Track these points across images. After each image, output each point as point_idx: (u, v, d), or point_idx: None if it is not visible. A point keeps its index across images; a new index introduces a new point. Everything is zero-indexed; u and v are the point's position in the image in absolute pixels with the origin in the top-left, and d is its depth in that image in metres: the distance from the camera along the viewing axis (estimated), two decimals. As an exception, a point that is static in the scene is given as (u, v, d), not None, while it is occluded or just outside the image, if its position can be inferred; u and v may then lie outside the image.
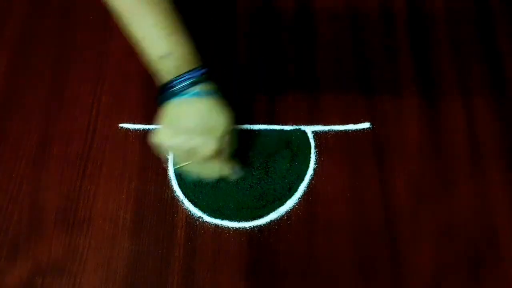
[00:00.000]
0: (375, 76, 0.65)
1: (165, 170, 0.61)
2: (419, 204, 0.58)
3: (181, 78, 0.49)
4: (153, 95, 0.65)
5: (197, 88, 0.49)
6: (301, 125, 0.63)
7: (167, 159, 0.61)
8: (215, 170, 0.55)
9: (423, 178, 0.59)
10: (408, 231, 0.56)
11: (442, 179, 0.59)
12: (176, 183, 0.60)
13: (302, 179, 0.59)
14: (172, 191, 0.60)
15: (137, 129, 0.63)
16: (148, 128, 0.63)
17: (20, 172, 0.61)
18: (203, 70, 0.50)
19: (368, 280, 0.54)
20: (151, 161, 0.61)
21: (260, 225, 0.57)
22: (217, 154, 0.51)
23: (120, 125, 0.64)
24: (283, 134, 0.62)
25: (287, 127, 0.63)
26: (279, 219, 0.58)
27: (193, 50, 0.51)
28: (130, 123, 0.64)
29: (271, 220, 0.58)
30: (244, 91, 0.65)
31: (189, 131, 0.49)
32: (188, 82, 0.49)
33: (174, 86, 0.49)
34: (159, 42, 0.49)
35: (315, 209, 0.58)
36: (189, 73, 0.49)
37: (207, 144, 0.50)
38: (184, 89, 0.49)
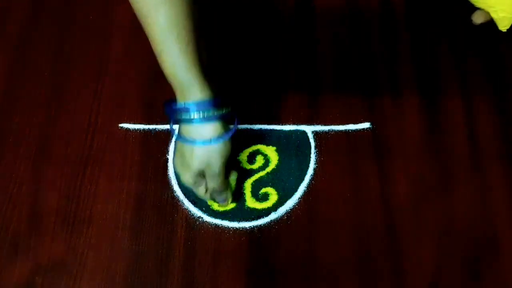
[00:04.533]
0: (375, 76, 0.65)
1: (165, 170, 0.61)
2: (419, 204, 0.58)
3: (194, 106, 0.50)
4: (153, 95, 0.65)
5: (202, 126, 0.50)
6: (301, 125, 0.63)
7: (168, 159, 0.61)
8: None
9: (423, 178, 0.59)
10: (408, 231, 0.56)
11: (442, 179, 0.59)
12: (176, 183, 0.60)
13: (302, 179, 0.59)
14: (172, 191, 0.60)
15: (137, 129, 0.63)
16: (148, 128, 0.63)
17: (20, 172, 0.61)
18: (209, 102, 0.50)
19: (368, 280, 0.54)
20: (151, 161, 0.61)
21: (260, 225, 0.57)
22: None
23: (120, 125, 0.64)
24: (283, 134, 0.62)
25: (287, 127, 0.63)
26: (279, 219, 0.58)
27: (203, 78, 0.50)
28: (130, 123, 0.64)
29: (271, 220, 0.58)
30: (244, 91, 0.65)
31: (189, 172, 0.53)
32: (197, 113, 0.50)
33: (182, 113, 0.50)
34: (179, 72, 0.49)
35: (315, 209, 0.58)
36: (201, 103, 0.50)
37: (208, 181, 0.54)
38: (190, 120, 0.50)
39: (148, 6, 0.48)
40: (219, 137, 0.51)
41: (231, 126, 0.53)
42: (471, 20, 0.58)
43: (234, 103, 0.53)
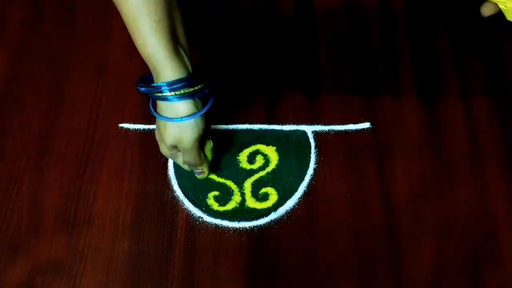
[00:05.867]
0: (375, 76, 0.65)
1: (165, 170, 0.61)
2: (419, 203, 0.58)
3: (172, 85, 0.49)
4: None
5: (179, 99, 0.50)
6: (301, 125, 0.63)
7: (167, 159, 0.61)
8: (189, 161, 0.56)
9: (423, 178, 0.59)
10: (408, 231, 0.56)
11: (442, 179, 0.59)
12: (176, 183, 0.60)
13: (302, 179, 0.59)
14: (172, 191, 0.60)
15: (137, 129, 0.63)
16: (148, 128, 0.63)
17: (20, 172, 0.61)
18: (185, 83, 0.49)
19: (368, 280, 0.54)
20: (151, 161, 0.61)
21: (260, 225, 0.57)
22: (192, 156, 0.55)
23: (120, 125, 0.64)
24: (283, 134, 0.62)
25: (287, 127, 0.63)
26: (279, 219, 0.58)
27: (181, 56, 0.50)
28: (130, 123, 0.64)
29: (271, 220, 0.58)
30: (244, 91, 0.65)
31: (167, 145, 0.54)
32: (175, 91, 0.49)
33: (162, 91, 0.50)
34: (157, 49, 0.48)
35: (315, 209, 0.58)
36: (178, 81, 0.49)
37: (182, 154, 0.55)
38: (167, 98, 0.50)
39: None
40: (191, 115, 0.51)
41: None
42: (480, 12, 0.59)
43: (211, 80, 0.53)
